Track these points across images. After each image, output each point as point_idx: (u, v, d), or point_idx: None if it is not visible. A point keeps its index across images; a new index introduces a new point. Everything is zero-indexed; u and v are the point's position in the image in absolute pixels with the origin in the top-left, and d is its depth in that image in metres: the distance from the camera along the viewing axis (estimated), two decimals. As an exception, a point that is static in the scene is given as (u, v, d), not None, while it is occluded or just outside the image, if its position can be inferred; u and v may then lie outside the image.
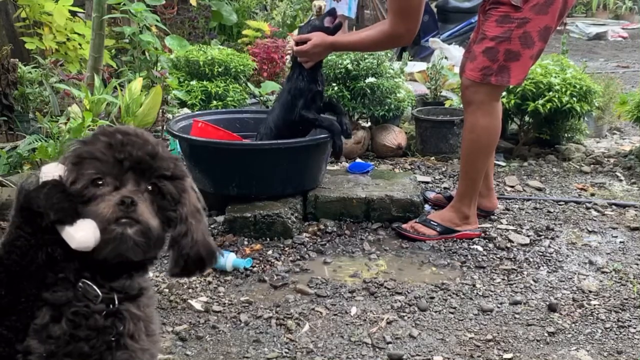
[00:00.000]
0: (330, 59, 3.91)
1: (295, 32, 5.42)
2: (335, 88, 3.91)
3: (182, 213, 1.18)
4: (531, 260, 2.70)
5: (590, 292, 2.44)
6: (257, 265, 2.61)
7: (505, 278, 2.55)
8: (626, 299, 2.39)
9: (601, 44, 9.61)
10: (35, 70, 3.95)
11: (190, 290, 2.41)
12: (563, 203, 3.34)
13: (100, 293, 1.15)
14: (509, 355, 2.05)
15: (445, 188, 3.52)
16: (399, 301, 2.36)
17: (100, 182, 1.12)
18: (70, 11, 4.34)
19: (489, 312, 2.30)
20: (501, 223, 3.08)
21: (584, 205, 3.31)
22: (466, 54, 2.94)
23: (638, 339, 2.14)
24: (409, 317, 2.26)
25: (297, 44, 2.93)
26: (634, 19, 11.86)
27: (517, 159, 4.05)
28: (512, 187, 3.58)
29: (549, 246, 2.83)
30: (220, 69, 4.36)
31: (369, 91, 3.89)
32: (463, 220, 2.88)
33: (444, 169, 3.86)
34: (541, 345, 2.11)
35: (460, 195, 2.89)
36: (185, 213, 1.19)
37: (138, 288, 1.21)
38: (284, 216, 2.83)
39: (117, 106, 3.33)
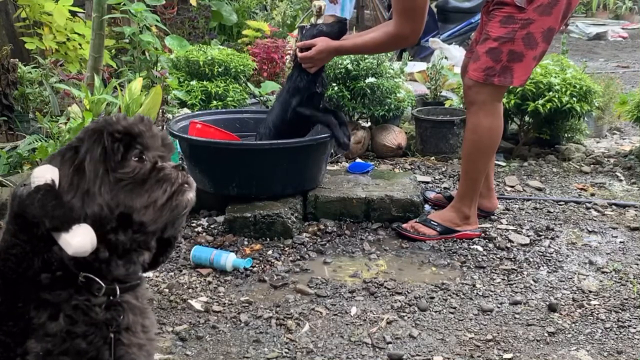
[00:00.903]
0: (330, 59, 3.91)
1: (295, 32, 5.43)
2: (335, 88, 3.91)
3: None
4: (531, 260, 2.70)
5: (590, 292, 2.44)
6: (257, 265, 2.61)
7: (505, 278, 2.55)
8: (626, 299, 2.39)
9: (601, 44, 9.61)
10: (35, 70, 3.95)
11: (190, 290, 2.41)
12: (563, 203, 3.34)
13: (103, 284, 1.15)
14: (509, 355, 2.05)
15: (445, 188, 3.52)
16: (399, 301, 2.36)
17: (143, 157, 1.16)
18: (70, 11, 4.34)
19: (489, 312, 2.30)
20: (501, 223, 3.08)
21: (584, 205, 3.31)
22: (469, 54, 2.94)
23: (638, 339, 2.14)
24: (409, 317, 2.26)
25: (302, 50, 2.92)
26: (634, 19, 11.85)
27: (517, 159, 4.05)
28: (512, 187, 3.58)
29: (549, 246, 2.83)
30: (220, 69, 4.36)
31: (369, 91, 3.88)
32: (463, 220, 2.88)
33: (444, 169, 3.86)
34: (541, 345, 2.11)
35: (460, 196, 2.89)
36: None
37: (138, 276, 1.22)
38: (284, 216, 2.83)
39: (117, 106, 3.33)
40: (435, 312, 2.30)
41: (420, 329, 2.19)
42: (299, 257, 2.69)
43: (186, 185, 1.17)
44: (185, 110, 3.94)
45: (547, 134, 4.10)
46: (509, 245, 2.83)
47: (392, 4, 2.76)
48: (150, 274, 1.20)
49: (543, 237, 2.93)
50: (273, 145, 2.92)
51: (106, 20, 3.69)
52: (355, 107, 3.96)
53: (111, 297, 1.16)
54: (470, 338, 2.14)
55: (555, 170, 3.87)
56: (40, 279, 1.12)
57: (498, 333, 2.17)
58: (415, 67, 5.17)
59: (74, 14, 4.50)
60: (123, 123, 1.16)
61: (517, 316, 2.28)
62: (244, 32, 5.74)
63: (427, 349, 2.08)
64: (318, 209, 3.02)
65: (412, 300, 2.36)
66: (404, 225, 2.91)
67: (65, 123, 3.09)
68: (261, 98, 4.43)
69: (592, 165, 3.95)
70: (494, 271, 2.60)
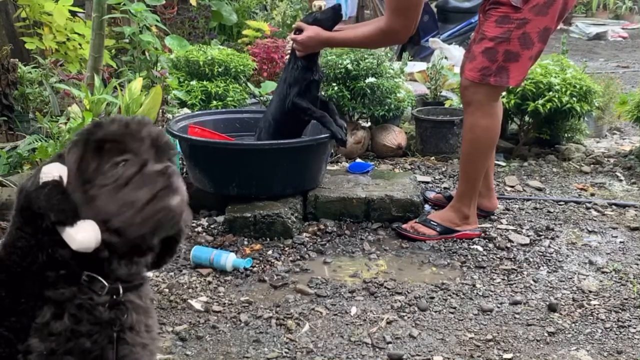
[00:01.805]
0: (330, 58, 3.92)
1: (295, 32, 5.42)
2: (335, 88, 3.91)
3: None
4: (531, 260, 2.70)
5: (590, 292, 2.44)
6: (257, 265, 2.61)
7: (505, 278, 2.55)
8: (626, 299, 2.39)
9: (601, 44, 9.61)
10: (35, 70, 3.95)
11: (190, 290, 2.41)
12: (563, 203, 3.34)
13: (106, 283, 1.15)
14: (509, 355, 2.05)
15: (445, 188, 3.52)
16: (399, 301, 2.36)
17: (123, 163, 1.11)
18: (70, 11, 4.34)
19: (489, 312, 2.30)
20: (501, 223, 3.08)
21: (584, 205, 3.31)
22: (466, 54, 2.94)
23: (638, 339, 2.14)
24: (409, 317, 2.26)
25: (295, 31, 2.95)
26: (634, 19, 11.86)
27: (517, 159, 4.05)
28: (512, 187, 3.58)
29: (549, 246, 2.83)
30: (220, 69, 4.36)
31: (369, 91, 3.88)
32: (463, 220, 2.88)
33: (444, 169, 3.86)
34: (541, 345, 2.11)
35: (459, 196, 2.89)
36: None
37: (142, 276, 1.21)
38: (284, 216, 2.83)
39: (117, 106, 3.33)
40: (435, 312, 2.30)
41: (420, 329, 2.19)
42: (299, 257, 2.69)
43: (169, 189, 1.10)
44: (185, 110, 3.94)
45: (547, 134, 4.10)
46: (509, 245, 2.83)
47: (385, 0, 2.75)
48: (150, 273, 1.20)
49: (543, 237, 2.93)
50: (273, 145, 2.92)
51: (106, 20, 3.69)
52: (355, 107, 3.96)
53: (114, 297, 1.16)
54: (470, 338, 2.14)
55: (555, 170, 3.87)
56: (44, 276, 1.12)
57: (498, 333, 2.17)
58: (415, 67, 5.17)
59: (74, 14, 4.50)
60: (106, 129, 1.14)
61: (517, 316, 2.28)
62: (244, 32, 5.75)
63: (427, 349, 2.08)
64: (318, 209, 3.02)
65: (412, 300, 2.36)
66: (403, 226, 2.91)
67: (65, 123, 3.08)
68: (261, 98, 4.43)
69: (592, 165, 3.95)
70: (494, 271, 2.60)
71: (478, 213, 2.98)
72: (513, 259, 2.70)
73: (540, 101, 3.77)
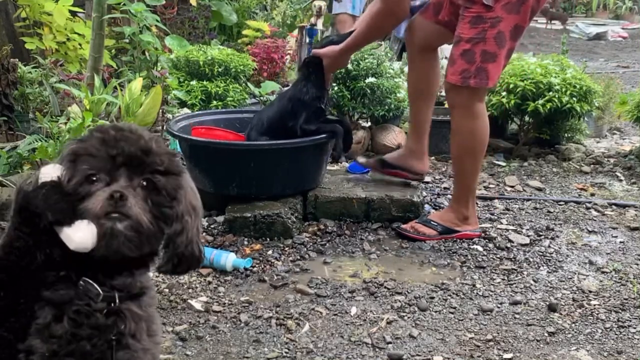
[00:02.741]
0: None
1: (296, 31, 5.43)
2: (335, 88, 3.91)
3: (177, 210, 1.17)
4: (531, 260, 2.70)
5: (590, 292, 2.44)
6: (257, 265, 2.61)
7: (505, 278, 2.55)
8: (626, 299, 2.39)
9: (601, 44, 9.61)
10: (35, 70, 3.95)
11: (190, 290, 2.41)
12: (563, 203, 3.34)
13: (101, 291, 1.15)
14: (509, 355, 2.04)
15: (445, 188, 3.52)
16: (399, 301, 2.36)
17: (94, 179, 1.11)
18: (70, 11, 4.34)
19: (489, 312, 2.30)
20: (501, 223, 3.08)
21: (584, 205, 3.31)
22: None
23: (638, 339, 2.14)
24: (409, 317, 2.26)
25: (311, 57, 3.00)
26: (634, 19, 11.87)
27: (517, 159, 4.06)
28: (512, 187, 3.58)
29: (549, 246, 2.83)
30: (220, 69, 4.36)
31: (369, 91, 3.88)
32: (463, 220, 2.88)
33: (444, 169, 3.86)
34: (541, 345, 2.11)
35: (456, 197, 2.90)
36: (181, 210, 1.17)
37: (140, 287, 1.21)
38: (284, 216, 2.83)
39: (117, 106, 3.33)
40: (435, 312, 2.30)
41: (420, 329, 2.18)
42: (299, 257, 2.69)
43: (114, 215, 1.09)
44: (185, 110, 3.94)
45: (547, 134, 4.10)
46: (509, 245, 2.83)
47: None
48: (150, 274, 1.19)
49: (543, 237, 2.93)
50: (273, 146, 2.92)
51: (106, 20, 3.69)
52: (355, 107, 3.96)
53: (111, 304, 1.16)
54: (470, 338, 2.14)
55: (555, 170, 3.88)
56: (42, 276, 1.12)
57: (498, 333, 2.17)
58: (415, 67, 5.15)
59: (74, 14, 4.50)
60: (83, 144, 1.14)
61: (517, 316, 2.28)
62: (244, 32, 5.75)
63: (427, 349, 2.08)
64: (318, 209, 3.02)
65: (412, 300, 2.36)
66: (403, 226, 2.91)
67: (65, 123, 3.08)
68: (261, 98, 4.43)
69: (592, 165, 3.95)
70: (494, 271, 2.60)
71: (409, 176, 3.08)
72: (513, 259, 2.70)
73: (540, 101, 3.77)
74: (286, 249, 2.76)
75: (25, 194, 1.11)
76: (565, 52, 4.85)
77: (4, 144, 3.23)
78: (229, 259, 2.54)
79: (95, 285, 1.15)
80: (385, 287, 2.45)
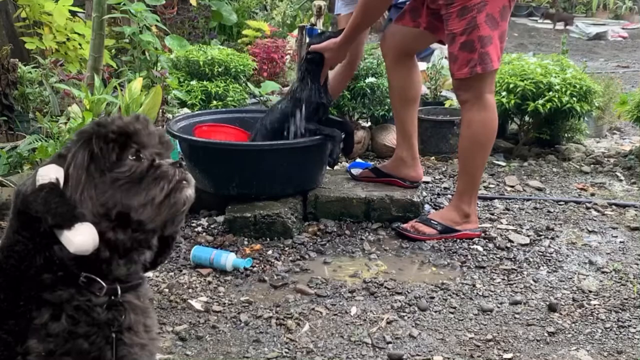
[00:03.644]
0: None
1: (296, 31, 5.43)
2: (335, 88, 3.91)
3: None
4: (531, 260, 2.70)
5: (590, 292, 2.44)
6: (257, 265, 2.61)
7: (505, 278, 2.55)
8: (626, 299, 2.39)
9: (601, 44, 9.61)
10: (35, 70, 3.95)
11: (190, 290, 2.41)
12: (563, 203, 3.34)
13: (104, 284, 1.15)
14: (509, 355, 2.04)
15: (445, 188, 3.52)
16: (399, 301, 2.36)
17: (140, 155, 1.16)
18: (70, 11, 4.35)
19: (489, 312, 2.29)
20: (501, 223, 3.08)
21: (584, 205, 3.31)
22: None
23: (638, 339, 2.14)
24: (409, 317, 2.26)
25: (310, 53, 2.97)
26: (634, 19, 11.87)
27: (517, 159, 4.06)
28: (512, 187, 3.58)
29: (549, 246, 2.83)
30: (220, 69, 4.36)
31: (369, 91, 3.89)
32: (463, 218, 2.88)
33: (444, 169, 3.86)
34: (541, 345, 2.11)
35: (459, 193, 2.89)
36: None
37: (139, 276, 1.22)
38: (284, 216, 2.83)
39: (117, 106, 3.33)
40: (435, 312, 2.30)
41: (420, 329, 2.18)
42: (299, 257, 2.69)
43: (184, 182, 1.16)
44: (185, 110, 3.94)
45: (547, 134, 4.10)
46: (509, 245, 2.83)
47: None
48: (150, 273, 1.20)
49: (543, 237, 2.93)
50: (273, 146, 2.92)
51: (106, 20, 3.69)
52: (355, 107, 3.96)
53: (113, 297, 1.16)
54: (470, 338, 2.14)
55: (555, 170, 3.88)
56: (41, 278, 1.12)
57: (498, 333, 2.17)
58: (415, 67, 5.16)
59: (74, 14, 4.50)
60: (118, 123, 1.16)
61: (517, 316, 2.28)
62: (244, 32, 5.75)
63: (427, 349, 2.08)
64: (318, 209, 3.02)
65: (412, 300, 2.36)
66: (403, 225, 2.91)
67: (65, 123, 3.09)
68: (261, 98, 4.43)
69: (592, 165, 3.95)
70: (494, 271, 2.60)
71: (405, 184, 3.07)
72: (513, 259, 2.70)
73: (540, 101, 3.77)
74: (286, 249, 2.76)
75: (24, 197, 1.10)
76: (565, 52, 4.85)
77: (4, 144, 3.23)
78: (229, 259, 2.54)
79: (98, 279, 1.15)
80: (385, 287, 2.45)
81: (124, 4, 3.67)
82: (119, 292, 1.17)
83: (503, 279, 2.54)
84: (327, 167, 3.12)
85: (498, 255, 2.73)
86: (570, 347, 2.09)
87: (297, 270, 2.59)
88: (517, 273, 2.59)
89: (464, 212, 2.87)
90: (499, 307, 2.33)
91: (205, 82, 4.31)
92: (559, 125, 4.08)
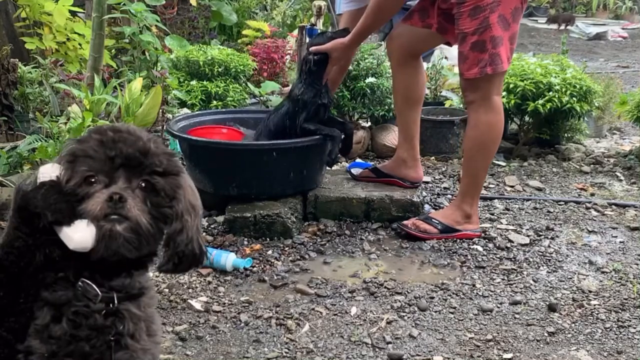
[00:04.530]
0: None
1: (296, 31, 5.42)
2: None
3: (177, 209, 1.16)
4: (531, 260, 2.70)
5: (590, 292, 2.44)
6: (257, 265, 2.61)
7: (505, 278, 2.55)
8: (626, 299, 2.39)
9: (601, 44, 9.61)
10: (35, 70, 3.95)
11: (190, 290, 2.41)
12: (563, 203, 3.34)
13: (99, 292, 1.15)
14: (509, 355, 2.04)
15: (445, 188, 3.52)
16: (399, 301, 2.36)
17: (93, 180, 1.11)
18: (70, 11, 4.35)
19: (489, 312, 2.30)
20: (501, 223, 3.08)
21: (584, 205, 3.31)
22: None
23: (638, 339, 2.14)
24: (409, 317, 2.26)
25: (313, 54, 2.95)
26: (634, 19, 11.88)
27: (517, 159, 4.06)
28: (512, 187, 3.58)
29: (549, 246, 2.83)
30: (220, 69, 4.36)
31: (369, 91, 3.88)
32: (465, 218, 2.87)
33: (444, 169, 3.86)
34: (541, 345, 2.11)
35: (462, 193, 2.89)
36: (181, 209, 1.17)
37: (139, 287, 1.20)
38: (284, 216, 2.83)
39: (117, 106, 3.33)
40: (435, 312, 2.30)
41: (420, 329, 2.18)
42: (299, 257, 2.69)
43: (113, 217, 1.09)
44: (185, 110, 3.94)
45: (547, 134, 4.10)
46: (509, 245, 2.83)
47: None
48: (150, 273, 1.19)
49: (543, 237, 2.93)
50: (273, 146, 2.92)
51: (106, 20, 3.69)
52: (355, 107, 3.96)
53: (110, 305, 1.16)
54: (470, 338, 2.14)
55: (555, 170, 3.88)
56: (41, 277, 1.12)
57: (498, 333, 2.17)
58: (415, 67, 5.15)
59: (74, 14, 4.50)
60: (80, 145, 1.14)
61: (517, 316, 2.28)
62: (244, 32, 5.75)
63: (427, 349, 2.08)
64: (318, 209, 3.02)
65: (412, 300, 2.36)
66: (405, 222, 2.91)
67: (65, 123, 3.09)
68: (261, 98, 4.43)
69: (592, 165, 3.95)
70: (494, 271, 2.60)
71: (405, 184, 3.07)
72: (513, 259, 2.70)
73: (540, 101, 3.77)
74: (286, 249, 2.76)
75: (24, 193, 1.11)
76: (565, 52, 4.85)
77: (4, 144, 3.23)
78: (229, 259, 2.54)
79: (94, 286, 1.15)
80: (385, 287, 2.45)
81: (124, 4, 3.67)
82: (116, 301, 1.17)
83: (503, 279, 2.54)
84: (326, 167, 3.12)
85: (498, 255, 2.73)
86: (570, 347, 2.09)
87: (297, 270, 2.59)
88: (517, 273, 2.59)
89: (466, 212, 2.87)
90: (498, 307, 2.33)
91: (205, 82, 4.31)
92: (559, 125, 4.08)
